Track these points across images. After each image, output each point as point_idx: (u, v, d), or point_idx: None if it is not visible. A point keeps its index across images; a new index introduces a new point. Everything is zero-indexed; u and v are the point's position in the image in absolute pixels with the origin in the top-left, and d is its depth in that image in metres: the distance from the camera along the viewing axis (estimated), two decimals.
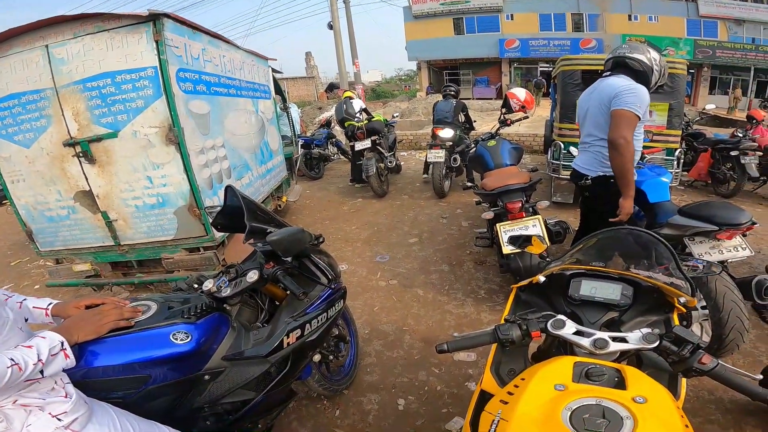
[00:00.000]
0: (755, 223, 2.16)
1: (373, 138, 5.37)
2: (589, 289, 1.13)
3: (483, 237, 3.16)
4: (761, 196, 5.39)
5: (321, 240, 1.70)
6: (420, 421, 1.90)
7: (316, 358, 1.68)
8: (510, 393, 0.83)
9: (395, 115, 6.92)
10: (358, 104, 6.06)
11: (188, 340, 1.11)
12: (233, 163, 3.22)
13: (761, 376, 0.94)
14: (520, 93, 4.55)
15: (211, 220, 1.61)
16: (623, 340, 0.89)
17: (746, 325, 1.99)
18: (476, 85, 22.81)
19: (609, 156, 2.05)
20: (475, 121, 5.96)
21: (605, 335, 0.90)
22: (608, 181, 2.17)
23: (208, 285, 1.32)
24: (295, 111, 7.49)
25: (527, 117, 4.45)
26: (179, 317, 1.17)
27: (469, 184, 3.58)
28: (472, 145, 4.13)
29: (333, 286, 1.59)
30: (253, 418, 1.41)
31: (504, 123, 4.29)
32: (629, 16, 19.52)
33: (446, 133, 4.97)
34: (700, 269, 1.98)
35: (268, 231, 1.40)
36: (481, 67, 22.72)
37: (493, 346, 1.08)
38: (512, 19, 21.00)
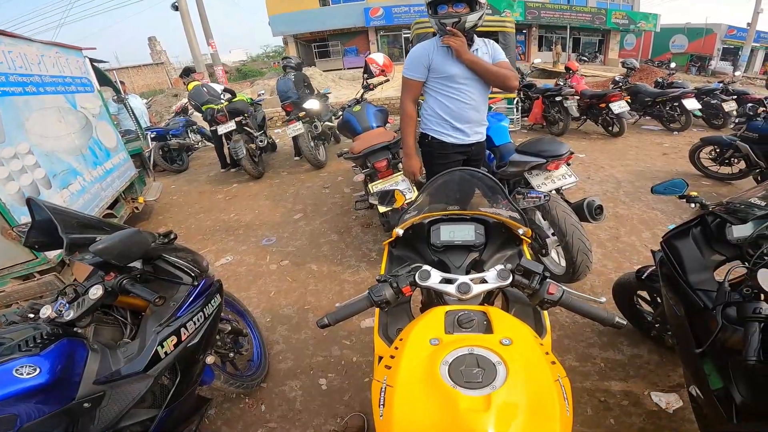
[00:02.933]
0: (573, 153, 2.51)
1: (237, 119, 4.99)
2: (447, 233, 1.15)
3: (362, 200, 3.23)
4: (584, 132, 6.60)
5: (172, 237, 1.53)
6: (347, 395, 1.90)
7: (210, 359, 1.56)
8: (392, 356, 0.84)
9: (260, 93, 6.56)
10: (217, 86, 5.59)
11: (36, 373, 1.00)
12: (51, 170, 2.72)
13: (604, 299, 1.03)
14: (379, 58, 4.64)
15: (23, 241, 1.34)
16: (483, 280, 0.92)
17: (588, 245, 2.19)
18: (346, 55, 22.77)
19: None
20: (328, 91, 6.02)
21: (467, 279, 0.92)
22: (423, 139, 2.32)
23: (46, 312, 1.17)
24: (138, 101, 6.62)
25: (388, 80, 4.59)
26: (17, 352, 1.03)
27: (341, 151, 3.59)
28: (340, 112, 4.13)
29: (198, 283, 1.46)
30: None
31: (367, 88, 4.36)
32: None
33: (312, 104, 4.88)
34: (540, 199, 2.20)
35: (97, 240, 1.21)
36: (349, 37, 22.59)
37: (377, 309, 1.06)
38: None
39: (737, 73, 7.89)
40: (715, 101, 6.21)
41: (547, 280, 0.90)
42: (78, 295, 1.22)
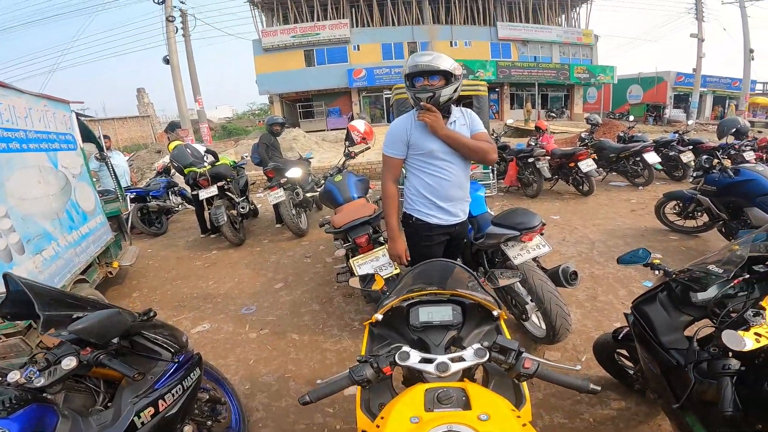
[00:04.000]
0: (544, 224, 2.57)
1: (219, 184, 5.02)
2: (426, 314, 1.19)
3: (343, 272, 3.23)
4: (557, 192, 6.83)
5: (152, 315, 1.55)
6: None
7: (188, 429, 1.54)
8: None
9: (244, 156, 6.62)
10: (200, 146, 5.66)
11: None
12: (26, 234, 2.58)
13: (579, 367, 1.08)
14: (360, 125, 4.83)
15: None
16: (462, 358, 0.96)
17: (565, 309, 2.25)
18: (329, 115, 23.54)
19: None
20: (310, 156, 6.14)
21: (445, 358, 0.96)
22: (407, 220, 2.27)
23: (14, 376, 1.17)
24: (121, 159, 6.58)
25: (369, 147, 4.77)
26: None
27: (324, 220, 3.63)
28: (322, 181, 4.23)
29: (177, 360, 1.49)
30: None
31: (348, 156, 4.50)
32: (450, 43, 23.19)
33: (294, 172, 4.98)
34: (516, 277, 2.30)
35: (75, 317, 1.26)
36: (333, 98, 23.63)
37: (358, 386, 1.07)
38: (358, 49, 22.69)
39: (690, 122, 8.50)
40: (673, 153, 6.54)
41: (523, 355, 0.94)
42: (50, 363, 1.22)
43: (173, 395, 1.39)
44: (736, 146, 5.30)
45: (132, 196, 5.86)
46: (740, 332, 1.15)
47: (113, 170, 4.72)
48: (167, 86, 11.28)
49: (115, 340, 1.34)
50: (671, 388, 1.37)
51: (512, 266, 2.36)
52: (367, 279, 1.53)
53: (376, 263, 2.66)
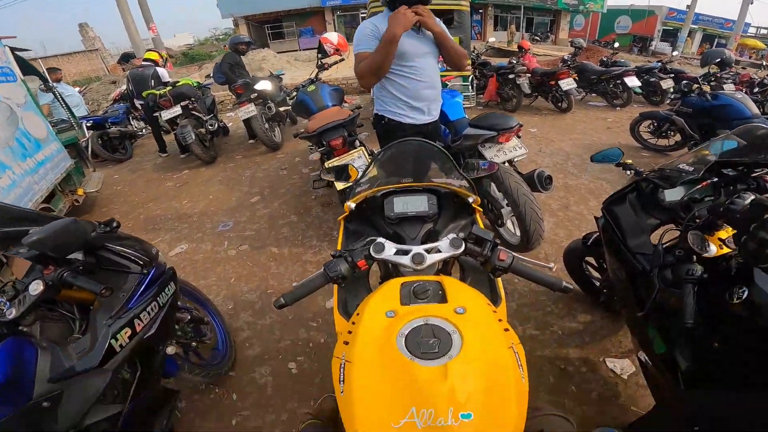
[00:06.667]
0: (521, 125, 2.59)
1: (182, 104, 4.73)
2: (401, 205, 1.14)
3: (319, 179, 3.17)
4: (536, 108, 6.85)
5: (114, 225, 1.46)
6: (318, 378, 1.89)
7: (171, 350, 1.53)
8: (350, 332, 0.83)
9: (208, 76, 6.23)
10: (162, 72, 5.45)
11: None
12: None
13: (553, 266, 1.04)
14: (333, 37, 4.51)
15: None
16: (437, 250, 0.92)
17: (540, 213, 2.25)
18: (301, 36, 22.04)
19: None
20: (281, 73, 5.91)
21: (421, 249, 0.92)
22: (378, 121, 2.29)
23: None
24: (72, 90, 6.31)
25: (343, 59, 4.48)
26: None
27: (297, 132, 3.50)
28: (294, 93, 4.00)
29: (147, 271, 1.41)
30: (138, 429, 1.30)
31: (322, 67, 4.25)
32: None
33: (264, 84, 4.71)
34: (492, 169, 2.26)
35: (31, 231, 1.16)
36: (305, 18, 21.80)
37: (335, 287, 1.04)
38: None
39: (675, 53, 8.42)
40: (653, 79, 6.57)
41: (498, 247, 0.91)
42: (18, 292, 1.18)
43: (149, 313, 1.34)
44: (718, 75, 5.29)
45: (89, 124, 5.64)
46: (705, 236, 1.16)
47: (62, 99, 4.61)
48: (115, 18, 10.03)
49: (79, 257, 1.29)
50: (636, 296, 1.37)
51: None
52: (343, 173, 1.47)
53: (351, 163, 2.61)
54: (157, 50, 6.18)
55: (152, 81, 5.26)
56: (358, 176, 1.33)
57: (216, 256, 3.00)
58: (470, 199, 1.14)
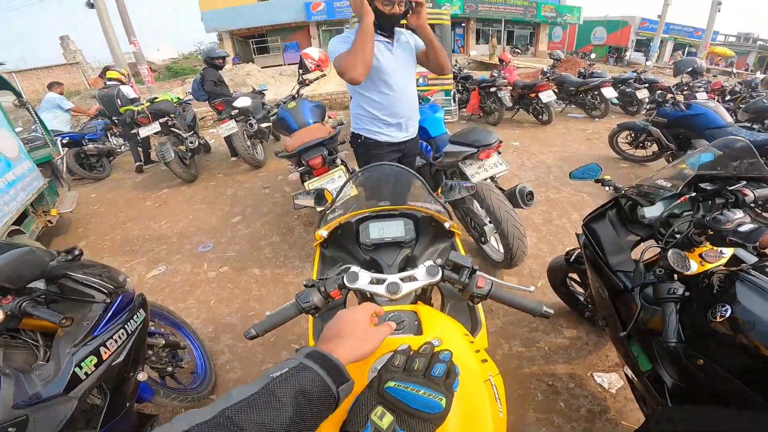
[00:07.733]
0: (501, 141, 2.59)
1: (161, 120, 4.66)
2: (377, 231, 1.10)
3: (295, 201, 3.12)
4: (517, 121, 6.96)
5: (77, 253, 1.43)
6: None
7: (142, 376, 1.49)
8: None
9: (188, 92, 6.17)
10: (128, 90, 5.41)
11: None
12: None
13: (533, 288, 1.00)
14: (314, 52, 4.51)
15: None
16: (414, 278, 0.89)
17: (522, 230, 2.24)
18: (286, 50, 22.12)
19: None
20: (264, 87, 5.90)
21: (396, 278, 0.88)
22: (355, 140, 2.25)
23: None
24: (69, 104, 6.05)
25: (324, 74, 4.48)
26: None
27: (279, 150, 3.47)
28: (274, 110, 3.97)
29: (113, 299, 1.38)
30: None
31: (303, 83, 4.24)
32: None
33: (242, 101, 4.68)
34: (470, 189, 2.31)
35: None
36: (290, 32, 21.96)
37: (310, 316, 0.99)
38: None
39: (648, 63, 8.75)
40: (629, 90, 6.81)
41: (476, 273, 0.88)
42: None
43: (116, 341, 1.32)
44: (691, 84, 5.48)
45: (65, 141, 5.47)
46: (685, 253, 1.15)
47: (36, 115, 4.46)
48: (96, 31, 9.90)
49: (41, 286, 1.27)
50: (619, 316, 1.35)
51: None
52: (319, 197, 1.44)
53: (332, 185, 2.57)
54: (117, 69, 6.01)
55: (118, 101, 5.20)
56: (332, 200, 1.29)
57: (195, 278, 2.91)
58: (446, 224, 1.11)
